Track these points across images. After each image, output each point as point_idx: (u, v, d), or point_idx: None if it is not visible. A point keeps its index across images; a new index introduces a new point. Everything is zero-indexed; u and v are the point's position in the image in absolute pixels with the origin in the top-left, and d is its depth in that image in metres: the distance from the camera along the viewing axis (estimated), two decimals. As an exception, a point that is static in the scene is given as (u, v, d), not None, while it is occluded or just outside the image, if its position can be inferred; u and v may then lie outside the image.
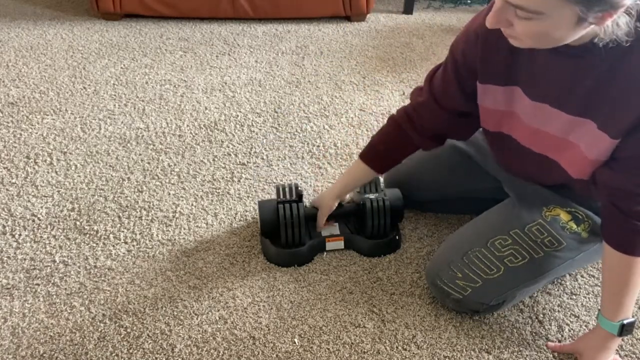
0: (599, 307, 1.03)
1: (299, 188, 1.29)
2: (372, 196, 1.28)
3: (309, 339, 1.10)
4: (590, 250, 1.10)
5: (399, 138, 1.20)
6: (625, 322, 0.99)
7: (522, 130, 1.03)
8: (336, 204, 1.30)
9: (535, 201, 1.12)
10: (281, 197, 1.28)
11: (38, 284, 1.20)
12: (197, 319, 1.13)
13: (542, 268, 1.09)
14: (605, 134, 0.89)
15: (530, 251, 1.08)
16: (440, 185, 1.34)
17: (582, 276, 1.25)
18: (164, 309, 1.15)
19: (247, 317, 1.14)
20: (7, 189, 1.48)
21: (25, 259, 1.27)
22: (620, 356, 1.08)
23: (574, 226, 1.08)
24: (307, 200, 1.47)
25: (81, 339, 1.09)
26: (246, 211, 1.43)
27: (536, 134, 1.01)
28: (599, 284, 1.23)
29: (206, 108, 1.88)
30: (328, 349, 1.08)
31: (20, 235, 1.33)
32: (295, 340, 1.10)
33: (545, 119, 0.98)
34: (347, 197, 1.37)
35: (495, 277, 1.08)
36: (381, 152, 1.23)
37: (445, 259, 1.13)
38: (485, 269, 1.09)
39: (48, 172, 1.55)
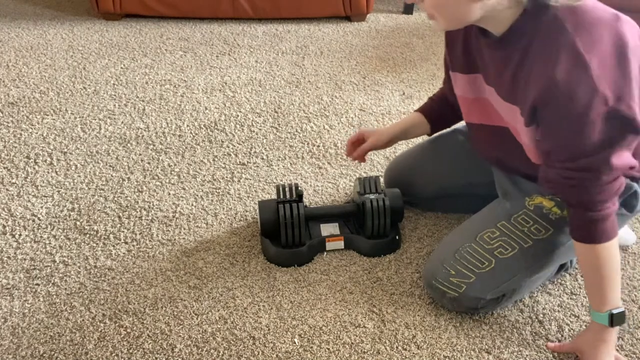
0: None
1: (299, 188, 1.29)
2: (372, 196, 1.28)
3: (309, 339, 1.10)
4: None
5: (444, 103, 1.28)
6: (613, 312, 1.00)
7: (495, 114, 1.07)
8: (385, 145, 1.32)
9: (519, 194, 1.15)
10: (281, 197, 1.28)
11: (38, 284, 1.20)
12: (197, 319, 1.13)
13: (533, 257, 1.10)
14: (523, 120, 0.95)
15: (519, 241, 1.10)
16: (441, 179, 1.35)
17: (582, 276, 1.26)
18: (164, 309, 1.15)
19: (247, 317, 1.14)
20: (7, 189, 1.48)
21: (25, 259, 1.27)
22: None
23: (558, 211, 1.09)
24: (307, 200, 1.47)
25: (81, 339, 1.09)
26: (246, 211, 1.43)
27: (500, 115, 1.06)
28: (599, 284, 1.24)
29: (206, 108, 1.88)
30: (328, 349, 1.08)
31: (20, 235, 1.33)
32: (295, 340, 1.10)
33: (497, 102, 1.03)
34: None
35: (487, 271, 1.10)
36: (436, 109, 1.30)
37: (438, 259, 1.15)
38: (477, 263, 1.10)
39: (48, 172, 1.55)
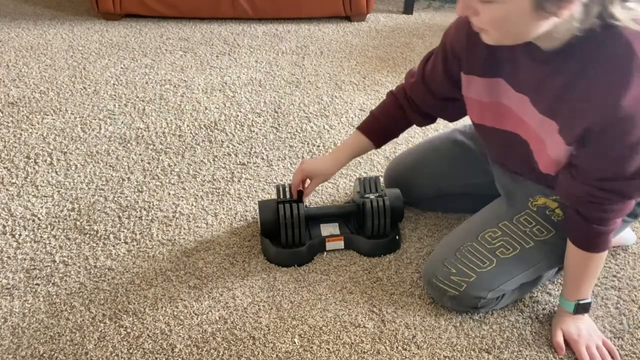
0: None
1: (299, 188, 1.29)
2: (372, 196, 1.28)
3: (309, 339, 1.10)
4: None
5: (397, 112, 1.24)
6: (581, 302, 1.08)
7: (512, 119, 1.05)
8: (332, 174, 1.29)
9: (522, 194, 1.15)
10: (281, 197, 1.28)
11: (38, 284, 1.20)
12: (197, 319, 1.13)
13: (533, 258, 1.11)
14: (562, 139, 0.93)
15: (521, 242, 1.11)
16: (441, 179, 1.35)
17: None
18: (164, 309, 1.15)
19: (247, 317, 1.14)
20: (7, 189, 1.48)
21: (25, 259, 1.27)
22: (620, 356, 1.08)
23: (561, 213, 1.10)
24: (307, 200, 1.47)
25: (81, 339, 1.09)
26: (246, 211, 1.43)
27: (522, 123, 1.03)
28: (598, 284, 1.24)
29: (206, 108, 1.88)
30: (328, 349, 1.08)
31: (20, 235, 1.33)
32: (295, 340, 1.10)
33: (525, 111, 1.01)
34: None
35: (488, 270, 1.10)
36: (380, 124, 1.25)
37: (439, 257, 1.15)
38: (478, 262, 1.11)
39: (48, 172, 1.55)
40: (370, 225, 1.27)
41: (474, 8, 0.83)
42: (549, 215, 1.12)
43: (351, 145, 1.29)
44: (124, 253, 1.29)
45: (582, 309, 1.09)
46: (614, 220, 0.98)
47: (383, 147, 1.67)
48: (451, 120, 1.27)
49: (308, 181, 1.28)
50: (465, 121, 1.42)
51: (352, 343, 1.09)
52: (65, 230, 1.35)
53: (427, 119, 1.24)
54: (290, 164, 1.61)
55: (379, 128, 1.26)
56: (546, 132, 0.96)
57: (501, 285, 1.10)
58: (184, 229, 1.37)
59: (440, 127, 1.80)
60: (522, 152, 1.06)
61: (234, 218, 1.40)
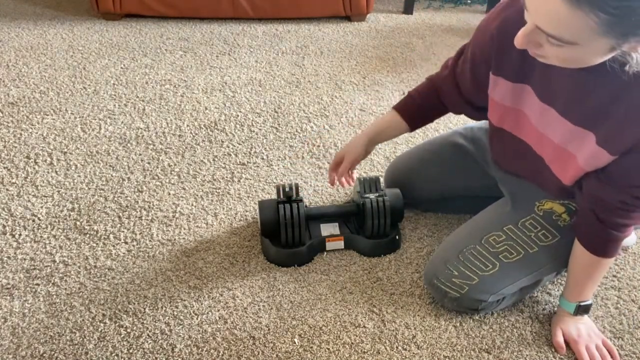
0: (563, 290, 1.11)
1: (299, 188, 1.29)
2: (372, 196, 1.28)
3: (309, 339, 1.10)
4: None
5: (434, 97, 1.21)
6: (582, 303, 1.09)
7: (528, 129, 1.04)
8: (365, 154, 1.25)
9: (528, 197, 1.15)
10: (281, 197, 1.28)
11: (38, 284, 1.20)
12: (197, 319, 1.13)
13: (537, 263, 1.11)
14: (604, 150, 0.90)
15: (525, 246, 1.11)
16: (441, 182, 1.35)
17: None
18: (164, 309, 1.15)
19: (247, 317, 1.14)
20: (7, 189, 1.48)
21: (25, 259, 1.27)
22: (620, 356, 1.08)
23: (568, 218, 1.10)
24: (307, 200, 1.47)
25: (81, 339, 1.09)
26: (246, 211, 1.43)
27: (540, 137, 1.01)
28: (598, 285, 1.23)
29: (206, 108, 1.88)
30: (328, 349, 1.08)
31: (20, 235, 1.33)
32: (295, 340, 1.10)
33: (549, 123, 0.98)
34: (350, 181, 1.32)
35: (491, 274, 1.10)
36: (417, 106, 1.22)
37: (441, 259, 1.14)
38: (481, 265, 1.10)
39: (48, 172, 1.55)
40: (370, 225, 1.27)
41: (538, 43, 0.79)
42: (556, 220, 1.11)
43: (384, 122, 1.24)
44: (124, 253, 1.29)
45: (582, 310, 1.10)
46: (630, 227, 0.98)
47: (383, 147, 1.67)
48: (473, 118, 1.25)
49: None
50: (467, 123, 1.42)
51: (352, 343, 1.09)
52: (65, 230, 1.35)
53: (459, 109, 1.21)
54: (290, 164, 1.61)
55: (415, 109, 1.22)
56: (578, 144, 0.94)
57: (503, 289, 1.10)
58: (184, 229, 1.37)
59: (441, 128, 1.80)
60: (535, 165, 1.05)
61: (234, 218, 1.40)
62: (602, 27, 0.70)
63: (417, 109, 1.23)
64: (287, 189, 1.26)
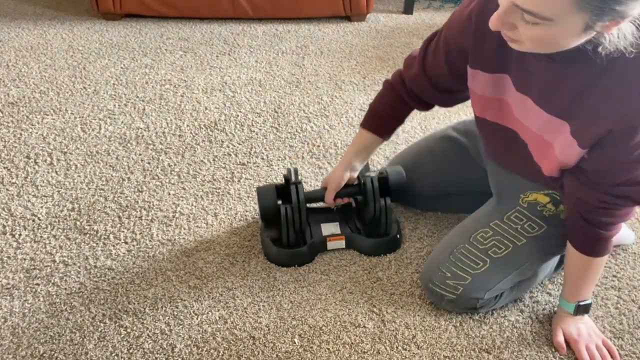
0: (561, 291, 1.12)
1: (298, 172, 1.30)
2: (372, 174, 1.29)
3: (309, 339, 1.10)
4: None
5: (397, 101, 1.22)
6: (581, 303, 1.09)
7: (511, 117, 1.04)
8: (346, 178, 1.26)
9: (513, 191, 1.15)
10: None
11: (38, 284, 1.20)
12: (197, 319, 1.13)
13: (526, 254, 1.11)
14: (575, 141, 0.91)
15: (513, 239, 1.11)
16: (437, 176, 1.35)
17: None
18: (164, 309, 1.15)
19: (247, 317, 1.14)
20: (7, 189, 1.48)
21: (25, 259, 1.27)
22: (620, 356, 1.08)
23: (553, 208, 1.10)
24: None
25: (81, 339, 1.09)
26: (246, 211, 1.43)
27: (522, 125, 1.02)
28: (598, 284, 1.24)
29: (206, 108, 1.88)
30: (328, 349, 1.08)
31: (20, 235, 1.33)
32: (295, 340, 1.10)
33: (527, 112, 0.99)
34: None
35: (482, 271, 1.10)
36: (382, 116, 1.24)
37: (434, 262, 1.15)
38: (472, 264, 1.11)
39: (48, 172, 1.55)
40: (372, 208, 1.26)
41: (512, 24, 0.79)
42: (540, 210, 1.12)
43: (358, 144, 1.27)
44: (124, 253, 1.29)
45: (582, 310, 1.10)
46: (618, 225, 0.98)
47: (383, 147, 1.68)
48: (444, 106, 1.25)
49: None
50: (460, 117, 1.42)
51: (352, 343, 1.09)
52: (65, 230, 1.35)
53: (429, 106, 1.23)
54: (290, 164, 1.61)
55: (382, 122, 1.25)
56: (554, 133, 0.94)
57: (497, 285, 1.11)
58: (184, 229, 1.37)
59: (440, 126, 1.80)
60: (521, 152, 1.06)
61: (234, 218, 1.40)
62: (578, 0, 0.70)
63: (384, 120, 1.25)
64: (285, 173, 1.27)
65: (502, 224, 1.13)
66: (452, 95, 1.18)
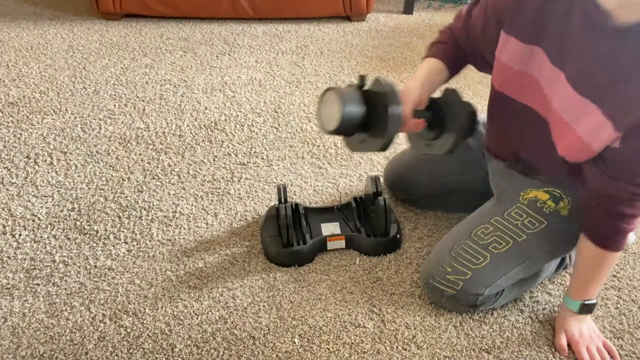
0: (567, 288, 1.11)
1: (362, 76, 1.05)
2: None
3: (309, 339, 1.10)
4: (575, 229, 1.10)
5: (451, 41, 1.16)
6: (586, 302, 1.08)
7: (534, 93, 1.00)
8: (423, 96, 1.08)
9: (514, 189, 1.15)
10: (282, 197, 1.27)
11: (38, 284, 1.20)
12: (197, 319, 1.13)
13: (527, 251, 1.11)
14: (610, 123, 0.87)
15: (513, 235, 1.11)
16: (437, 175, 1.35)
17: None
18: (164, 309, 1.15)
19: (247, 317, 1.14)
20: (7, 189, 1.48)
21: (25, 259, 1.27)
22: (620, 356, 1.08)
23: (553, 204, 1.10)
24: (307, 200, 1.47)
25: (81, 339, 1.09)
26: (246, 211, 1.43)
27: (546, 101, 0.99)
28: (599, 284, 1.24)
29: (206, 108, 1.88)
30: (328, 349, 1.08)
31: (20, 235, 1.33)
32: (295, 340, 1.10)
33: (556, 87, 0.95)
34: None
35: (483, 266, 1.10)
36: (447, 46, 1.16)
37: (435, 258, 1.15)
38: (472, 259, 1.11)
39: (48, 172, 1.55)
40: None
41: None
42: (540, 207, 1.12)
43: (426, 68, 1.13)
44: (124, 253, 1.29)
45: (586, 309, 1.09)
46: (637, 219, 0.97)
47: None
48: (481, 70, 1.20)
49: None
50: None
51: (352, 343, 1.09)
52: (65, 230, 1.35)
53: (472, 60, 1.17)
54: (291, 164, 1.61)
55: (449, 50, 1.14)
56: (578, 114, 0.91)
57: (497, 281, 1.10)
58: (184, 229, 1.37)
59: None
60: (534, 133, 1.03)
61: (234, 218, 1.40)
62: None
63: (450, 50, 1.15)
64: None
65: (503, 220, 1.13)
66: (482, 62, 1.14)
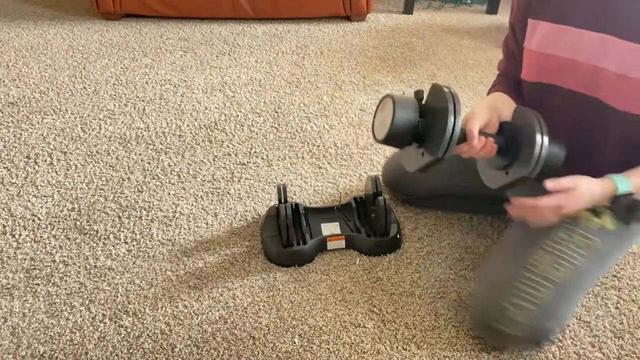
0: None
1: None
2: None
3: (309, 339, 1.10)
4: (624, 240, 1.07)
5: (508, 86, 1.15)
6: (633, 195, 0.94)
7: (576, 71, 0.98)
8: (491, 117, 1.00)
9: None
10: (282, 197, 1.27)
11: (38, 284, 1.20)
12: (197, 319, 1.13)
13: (589, 272, 1.05)
14: None
15: (570, 260, 1.03)
16: (435, 179, 1.33)
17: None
18: (164, 309, 1.15)
19: (247, 317, 1.14)
20: (7, 189, 1.48)
21: (25, 259, 1.27)
22: (620, 356, 1.08)
23: (597, 220, 1.04)
24: (307, 200, 1.47)
25: (81, 339, 1.09)
26: (246, 211, 1.43)
27: (593, 74, 0.96)
28: (599, 284, 1.23)
29: (206, 108, 1.88)
30: (328, 349, 1.08)
31: (20, 235, 1.33)
32: (295, 340, 1.10)
33: (605, 52, 0.93)
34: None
35: (548, 298, 1.00)
36: (502, 84, 1.16)
37: (492, 298, 1.04)
38: (535, 293, 1.01)
39: (48, 172, 1.55)
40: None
41: None
42: (586, 225, 1.05)
43: (490, 98, 1.10)
44: (124, 253, 1.29)
45: (624, 203, 0.94)
46: None
47: (383, 146, 1.67)
48: None
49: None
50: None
51: (352, 343, 1.09)
52: (65, 230, 1.35)
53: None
54: (291, 164, 1.61)
55: (505, 85, 1.14)
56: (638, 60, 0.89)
57: (566, 312, 1.04)
58: (184, 229, 1.37)
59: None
60: (585, 118, 0.99)
61: (234, 218, 1.40)
62: None
63: (506, 84, 1.14)
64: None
65: (553, 242, 1.04)
66: None
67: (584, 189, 0.96)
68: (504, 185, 0.98)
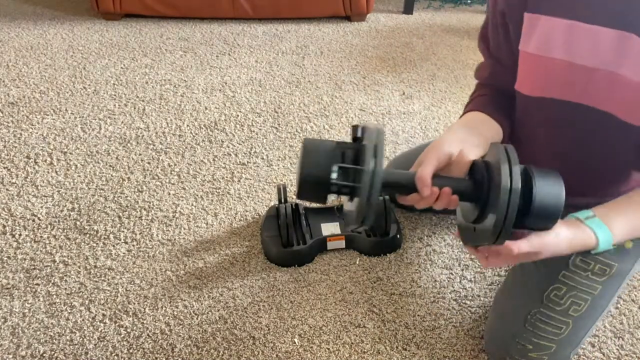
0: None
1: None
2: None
3: (309, 339, 1.10)
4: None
5: (490, 96, 0.99)
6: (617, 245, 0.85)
7: (585, 81, 0.81)
8: (451, 153, 0.80)
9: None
10: (282, 197, 1.27)
11: (38, 284, 1.20)
12: (197, 319, 1.13)
13: (606, 299, 0.99)
14: None
15: (589, 290, 0.96)
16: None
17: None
18: (164, 309, 1.15)
19: (247, 317, 1.14)
20: (7, 189, 1.48)
21: (25, 259, 1.27)
22: (620, 356, 1.08)
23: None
24: (307, 202, 1.46)
25: (81, 339, 1.09)
26: (246, 211, 1.43)
27: (610, 83, 0.79)
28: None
29: (206, 108, 1.88)
30: (328, 349, 1.08)
31: (20, 235, 1.33)
32: (295, 340, 1.10)
33: (626, 55, 0.76)
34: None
35: (567, 334, 0.96)
36: (487, 98, 0.97)
37: (507, 333, 0.99)
38: (554, 330, 0.96)
39: (48, 172, 1.55)
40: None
41: None
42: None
43: (459, 122, 0.92)
44: (124, 253, 1.29)
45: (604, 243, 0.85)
46: None
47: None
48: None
49: None
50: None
51: (352, 343, 1.09)
52: (65, 230, 1.35)
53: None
54: (290, 164, 1.61)
55: (485, 99, 0.96)
56: None
57: (582, 341, 1.00)
58: (184, 229, 1.37)
59: (440, 128, 1.80)
60: (591, 134, 0.85)
61: (234, 218, 1.40)
62: None
63: (487, 98, 0.96)
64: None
65: (571, 273, 0.96)
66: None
67: (550, 250, 0.81)
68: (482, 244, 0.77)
